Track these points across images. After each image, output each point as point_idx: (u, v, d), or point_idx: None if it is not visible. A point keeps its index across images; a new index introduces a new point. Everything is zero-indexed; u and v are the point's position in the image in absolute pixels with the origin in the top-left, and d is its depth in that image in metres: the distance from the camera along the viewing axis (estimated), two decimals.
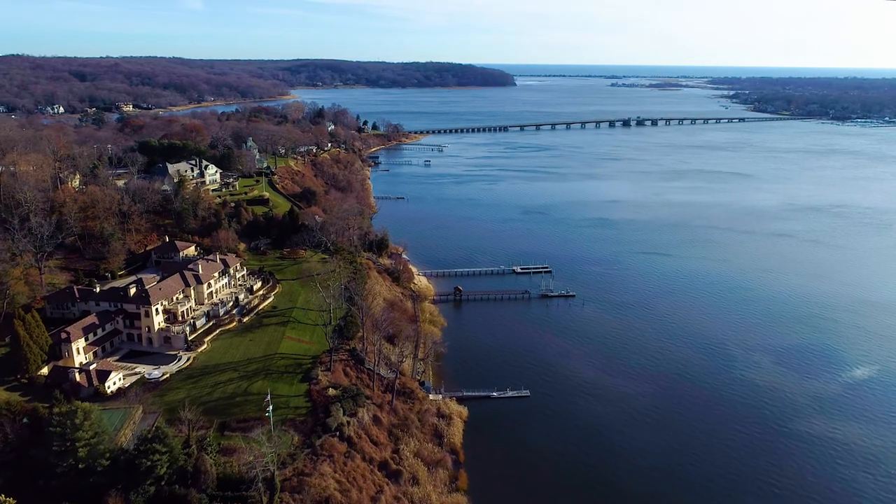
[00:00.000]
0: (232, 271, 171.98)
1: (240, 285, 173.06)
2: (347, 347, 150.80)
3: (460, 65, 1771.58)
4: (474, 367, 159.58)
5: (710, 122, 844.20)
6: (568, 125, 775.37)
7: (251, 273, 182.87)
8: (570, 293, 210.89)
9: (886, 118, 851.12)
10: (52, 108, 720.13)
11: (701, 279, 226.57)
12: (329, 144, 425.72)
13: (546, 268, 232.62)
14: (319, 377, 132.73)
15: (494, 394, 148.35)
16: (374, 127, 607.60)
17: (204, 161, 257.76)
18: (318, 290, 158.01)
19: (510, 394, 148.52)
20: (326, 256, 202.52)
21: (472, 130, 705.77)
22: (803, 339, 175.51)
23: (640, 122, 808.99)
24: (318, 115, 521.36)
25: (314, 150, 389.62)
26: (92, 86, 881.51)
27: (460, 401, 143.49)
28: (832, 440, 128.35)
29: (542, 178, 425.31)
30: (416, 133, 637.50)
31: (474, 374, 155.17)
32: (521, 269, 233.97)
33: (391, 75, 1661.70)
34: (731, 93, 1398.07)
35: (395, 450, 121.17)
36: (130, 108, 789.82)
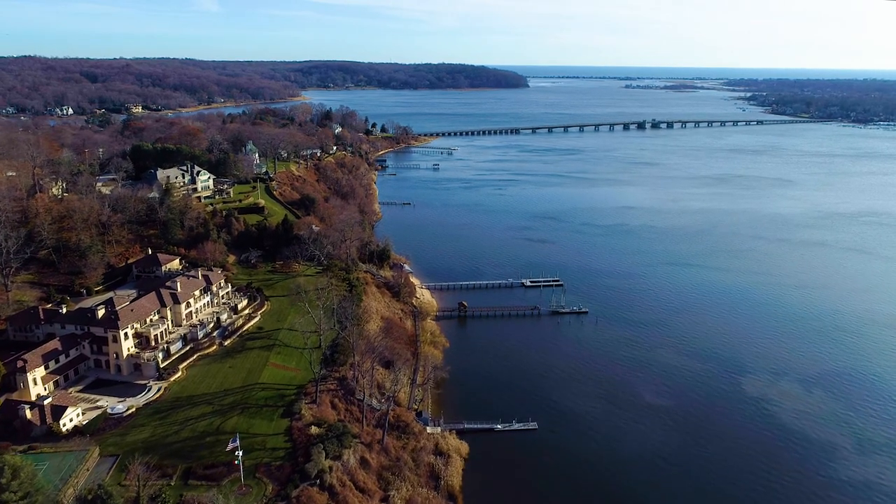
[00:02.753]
0: (215, 288, 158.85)
1: (223, 304, 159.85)
2: (337, 375, 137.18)
3: (473, 66, 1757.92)
4: (478, 395, 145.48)
5: (727, 124, 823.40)
6: (581, 128, 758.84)
7: (237, 290, 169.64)
8: (583, 309, 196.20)
9: None
10: (62, 110, 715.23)
11: (726, 293, 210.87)
12: (335, 147, 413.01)
13: (557, 281, 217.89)
14: (303, 411, 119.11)
15: (499, 426, 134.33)
16: (383, 129, 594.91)
17: (196, 167, 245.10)
18: (307, 310, 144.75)
19: (516, 426, 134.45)
20: (322, 269, 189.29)
21: (484, 133, 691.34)
22: (840, 363, 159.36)
23: (655, 125, 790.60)
24: (326, 117, 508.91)
25: (318, 154, 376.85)
26: (103, 87, 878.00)
27: (461, 434, 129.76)
28: (879, 488, 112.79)
29: (556, 182, 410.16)
30: (425, 136, 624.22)
31: (478, 403, 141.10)
32: (531, 282, 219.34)
33: (403, 77, 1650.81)
34: (748, 95, 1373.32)
35: (385, 497, 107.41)
36: (139, 109, 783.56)
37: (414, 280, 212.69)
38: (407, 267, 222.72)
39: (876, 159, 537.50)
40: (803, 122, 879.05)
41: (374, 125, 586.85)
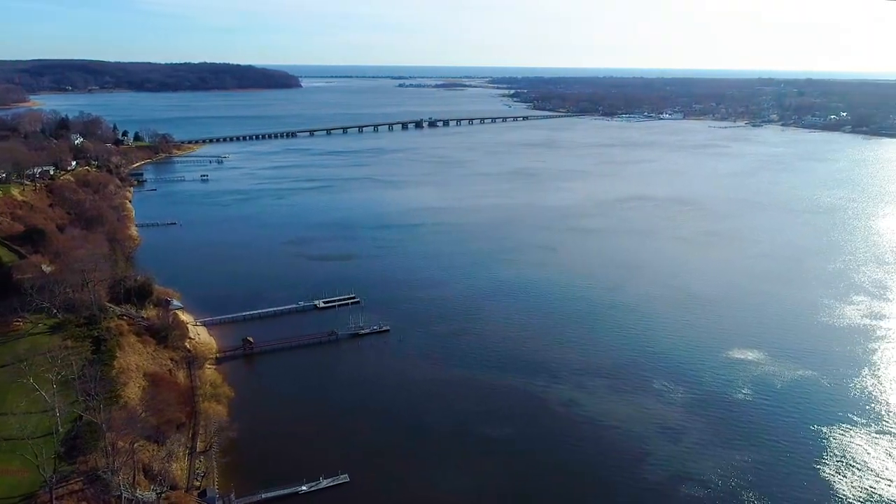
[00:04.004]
0: None
1: None
2: (84, 469, 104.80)
3: (239, 66, 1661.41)
4: (276, 454, 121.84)
5: (497, 120, 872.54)
6: (360, 128, 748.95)
7: None
8: (384, 327, 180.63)
9: (645, 113, 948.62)
10: None
11: (524, 288, 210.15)
12: (74, 163, 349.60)
13: (354, 298, 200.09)
14: None
15: (304, 488, 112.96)
16: (138, 138, 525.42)
17: None
18: (34, 387, 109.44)
19: (325, 483, 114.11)
20: (56, 325, 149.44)
21: (258, 137, 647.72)
22: (635, 349, 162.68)
23: (432, 124, 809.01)
24: (62, 126, 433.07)
25: (52, 172, 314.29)
26: None
27: None
28: (688, 476, 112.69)
29: (341, 188, 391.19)
30: (190, 143, 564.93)
31: (277, 464, 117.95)
32: (325, 303, 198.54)
33: (160, 77, 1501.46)
34: (512, 92, 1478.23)
35: None
36: None
37: (186, 318, 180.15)
38: (176, 302, 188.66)
39: (638, 148, 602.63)
40: (563, 116, 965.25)
41: (125, 133, 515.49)
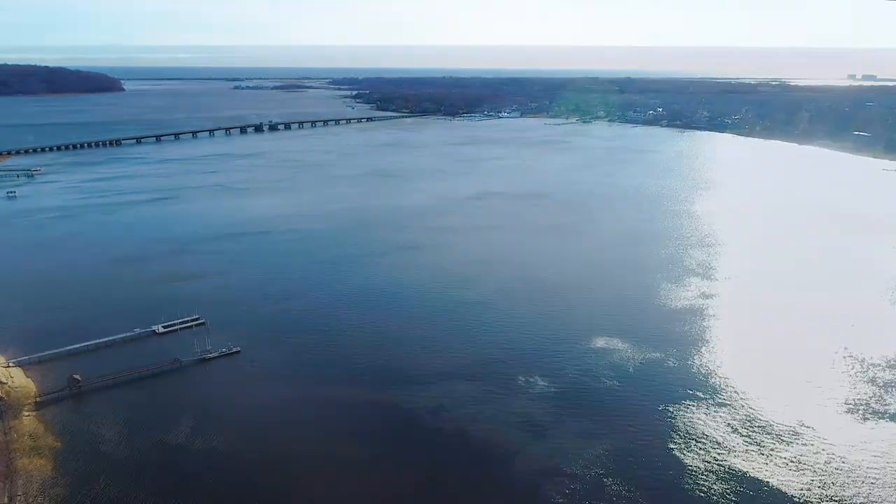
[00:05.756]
0: None
1: None
2: None
3: (48, 67, 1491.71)
4: None
5: (341, 122, 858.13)
6: (194, 133, 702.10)
7: None
8: (234, 349, 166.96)
9: (486, 112, 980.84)
10: None
11: (388, 293, 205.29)
12: None
13: (198, 320, 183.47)
14: None
15: None
16: None
17: None
18: None
19: None
20: None
21: (77, 147, 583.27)
22: (497, 346, 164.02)
23: (273, 127, 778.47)
24: None
25: None
26: None
27: None
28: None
29: (184, 199, 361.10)
30: None
31: None
32: (165, 327, 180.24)
33: None
34: (354, 93, 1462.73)
35: None
36: None
37: None
38: None
39: (488, 145, 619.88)
40: (407, 116, 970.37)
41: None
